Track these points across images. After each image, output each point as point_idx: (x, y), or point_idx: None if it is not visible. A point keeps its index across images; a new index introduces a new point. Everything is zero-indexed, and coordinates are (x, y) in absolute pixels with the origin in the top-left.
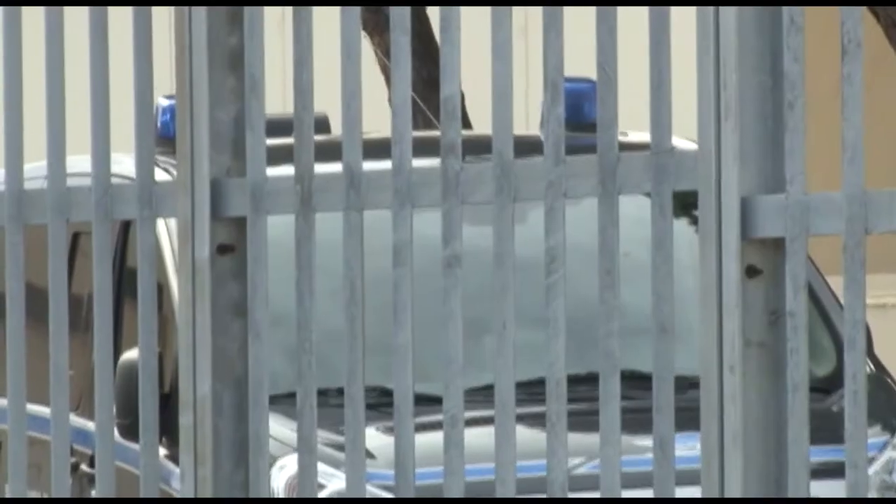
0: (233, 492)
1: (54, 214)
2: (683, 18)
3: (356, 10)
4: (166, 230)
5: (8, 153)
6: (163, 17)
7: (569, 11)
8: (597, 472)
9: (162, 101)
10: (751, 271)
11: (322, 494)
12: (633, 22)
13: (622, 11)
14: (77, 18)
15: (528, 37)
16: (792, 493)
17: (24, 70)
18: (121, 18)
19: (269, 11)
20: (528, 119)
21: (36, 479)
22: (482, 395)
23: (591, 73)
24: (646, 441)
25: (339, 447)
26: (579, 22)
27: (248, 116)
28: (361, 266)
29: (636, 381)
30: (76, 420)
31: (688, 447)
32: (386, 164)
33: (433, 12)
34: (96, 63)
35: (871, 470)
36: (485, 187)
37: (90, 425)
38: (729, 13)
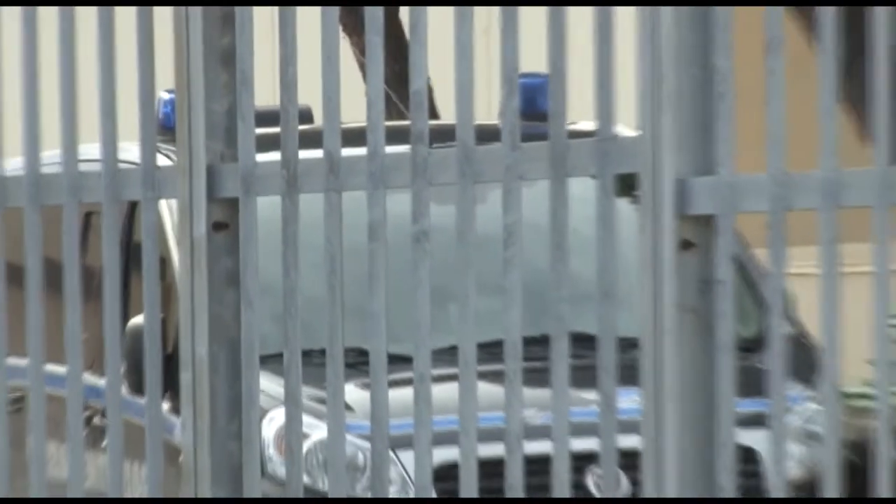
0: (228, 442)
1: (68, 196)
2: (626, 18)
3: (335, 13)
4: (168, 209)
5: (26, 141)
6: (164, 17)
7: (525, 12)
8: (549, 422)
9: (163, 95)
10: (685, 245)
11: (306, 444)
12: (581, 21)
13: (571, 12)
14: (86, 19)
15: (491, 35)
16: (721, 442)
17: (38, 66)
18: (126, 19)
19: (260, 13)
20: (490, 109)
21: (55, 431)
22: (447, 355)
23: (545, 68)
24: (592, 395)
25: (322, 401)
26: (536, 21)
27: (239, 108)
28: (340, 241)
29: (583, 342)
30: (89, 378)
31: (630, 400)
32: (362, 151)
33: (404, 13)
34: (104, 60)
35: (792, 420)
36: (449, 171)
37: (101, 382)
38: (666, 13)
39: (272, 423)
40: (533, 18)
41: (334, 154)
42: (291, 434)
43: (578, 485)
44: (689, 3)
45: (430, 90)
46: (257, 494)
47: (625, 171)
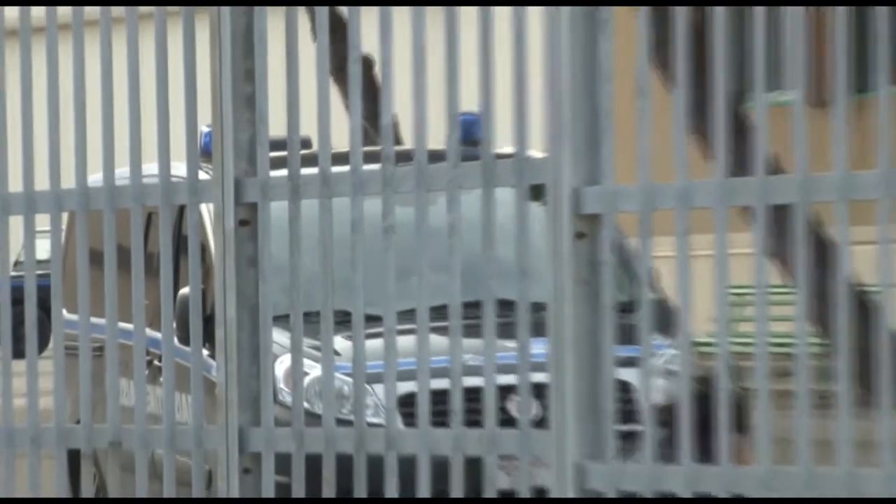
0: (249, 380)
1: (134, 202)
2: (536, 66)
3: (327, 68)
4: (206, 211)
5: (104, 161)
6: (204, 70)
7: (465, 64)
8: (481, 363)
9: (203, 128)
10: (579, 235)
11: (306, 379)
12: (504, 70)
13: (499, 63)
14: (149, 75)
15: (443, 83)
16: (603, 378)
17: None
18: (176, 73)
19: (273, 69)
20: (440, 138)
21: (125, 371)
22: (408, 315)
23: (478, 107)
24: (512, 343)
25: (317, 349)
26: (472, 71)
27: (258, 138)
28: (331, 233)
29: (505, 306)
30: (151, 332)
31: (539, 347)
32: (346, 168)
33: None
34: (160, 104)
35: (656, 361)
36: (409, 182)
37: (158, 335)
38: (566, 65)
39: (282, 365)
40: (470, 69)
41: (326, 171)
42: (296, 372)
43: (503, 409)
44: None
45: (396, 124)
46: (271, 417)
47: (535, 182)
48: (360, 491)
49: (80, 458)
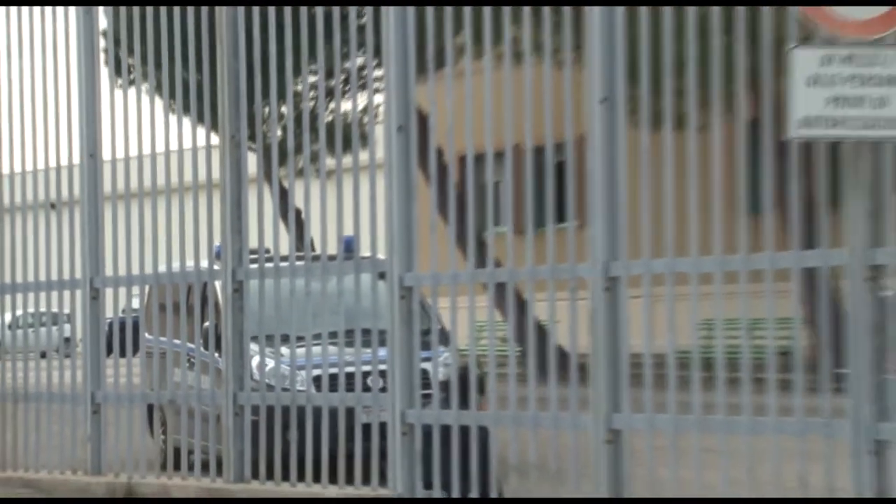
0: (238, 368)
1: (181, 281)
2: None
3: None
4: (218, 285)
5: (167, 259)
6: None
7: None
8: (353, 360)
9: (216, 244)
10: (402, 297)
11: (266, 368)
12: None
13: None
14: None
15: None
16: (414, 367)
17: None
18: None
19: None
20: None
21: (176, 363)
22: (318, 336)
23: (352, 231)
24: (369, 350)
25: (272, 352)
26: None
27: (243, 250)
28: (279, 295)
29: (366, 332)
30: (189, 344)
31: (383, 352)
32: (286, 264)
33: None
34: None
35: (440, 359)
36: (318, 271)
37: (192, 345)
38: (392, 197)
39: (253, 359)
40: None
41: (277, 265)
42: (261, 365)
43: (365, 383)
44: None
45: (312, 239)
46: (248, 386)
47: (380, 270)
48: (292, 425)
49: (153, 409)
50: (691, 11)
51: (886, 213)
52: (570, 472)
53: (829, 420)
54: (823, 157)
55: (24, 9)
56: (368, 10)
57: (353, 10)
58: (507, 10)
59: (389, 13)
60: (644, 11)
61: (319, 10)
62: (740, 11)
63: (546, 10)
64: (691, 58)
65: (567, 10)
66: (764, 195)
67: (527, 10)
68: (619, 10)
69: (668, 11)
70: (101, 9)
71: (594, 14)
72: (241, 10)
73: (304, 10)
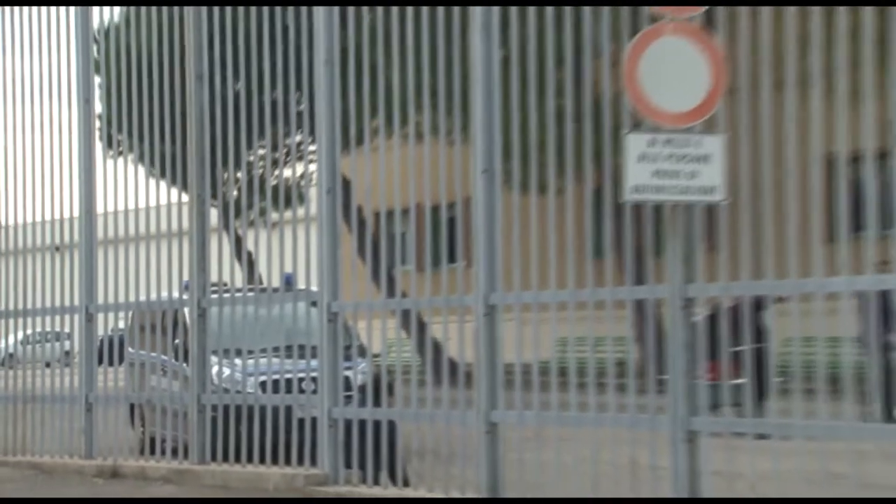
0: (201, 374)
1: (158, 309)
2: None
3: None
4: (187, 310)
5: (146, 291)
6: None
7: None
8: (292, 368)
9: (185, 280)
10: (330, 320)
11: (224, 375)
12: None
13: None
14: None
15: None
16: (338, 374)
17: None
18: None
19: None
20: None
21: (153, 371)
22: (264, 350)
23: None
24: (303, 361)
25: (228, 363)
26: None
27: (207, 284)
28: (232, 319)
29: (302, 347)
30: (163, 356)
31: (315, 363)
32: (241, 294)
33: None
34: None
35: (358, 367)
36: (265, 300)
37: (166, 357)
38: (324, 250)
39: (213, 368)
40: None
41: (233, 295)
42: (220, 374)
43: (301, 387)
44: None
45: (260, 275)
46: (209, 388)
47: (313, 299)
48: (243, 419)
49: (134, 407)
50: (551, 104)
51: (696, 258)
52: (458, 456)
53: (653, 415)
54: (650, 215)
55: (34, 99)
56: (305, 98)
57: (293, 98)
58: (411, 100)
59: (321, 101)
60: (515, 102)
61: (266, 98)
62: (587, 104)
63: (441, 100)
64: (551, 139)
65: (457, 99)
66: (605, 243)
67: (426, 99)
68: (497, 100)
69: (533, 102)
70: (97, 97)
71: (477, 103)
72: (206, 96)
73: (254, 94)
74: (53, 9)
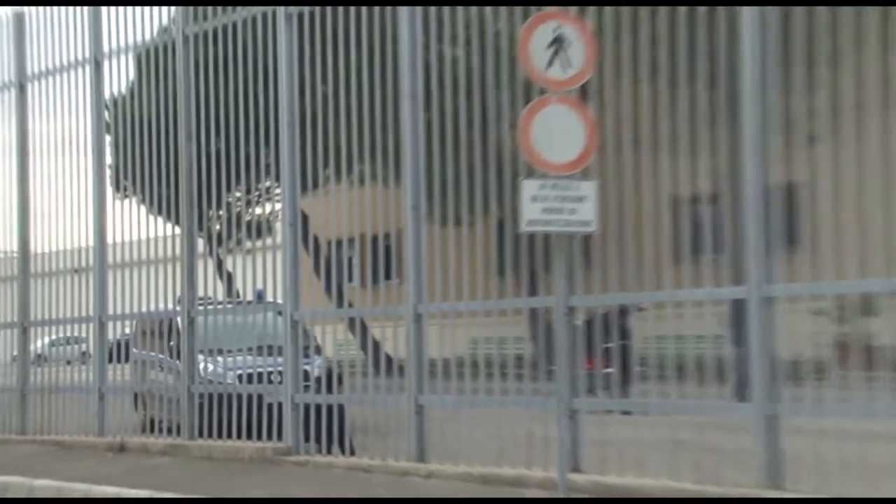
0: (189, 370)
1: (158, 318)
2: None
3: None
4: (180, 319)
5: (147, 303)
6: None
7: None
8: (262, 365)
9: (178, 295)
10: (293, 325)
11: (209, 369)
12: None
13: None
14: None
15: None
16: (299, 368)
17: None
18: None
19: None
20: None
21: (152, 369)
22: (241, 350)
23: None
24: (271, 358)
25: (212, 360)
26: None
27: (195, 298)
28: (216, 325)
29: (270, 348)
30: (159, 355)
31: (281, 359)
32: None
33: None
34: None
35: (314, 363)
36: (241, 310)
37: (162, 356)
38: (287, 270)
39: (200, 364)
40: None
41: (216, 307)
42: (206, 368)
43: (269, 377)
44: None
45: (237, 292)
46: (198, 379)
47: (279, 310)
48: (224, 404)
49: (137, 395)
50: (464, 156)
51: (576, 276)
52: (393, 431)
53: (544, 398)
54: (541, 242)
55: (59, 153)
56: (272, 152)
57: (263, 152)
58: (355, 153)
59: (285, 154)
60: (436, 154)
61: (241, 152)
62: (492, 157)
63: (378, 153)
64: (464, 183)
65: (391, 153)
66: (506, 264)
67: (367, 153)
68: (422, 153)
69: (450, 155)
70: (108, 151)
71: (407, 155)
72: (194, 151)
73: (232, 149)
74: (73, 82)
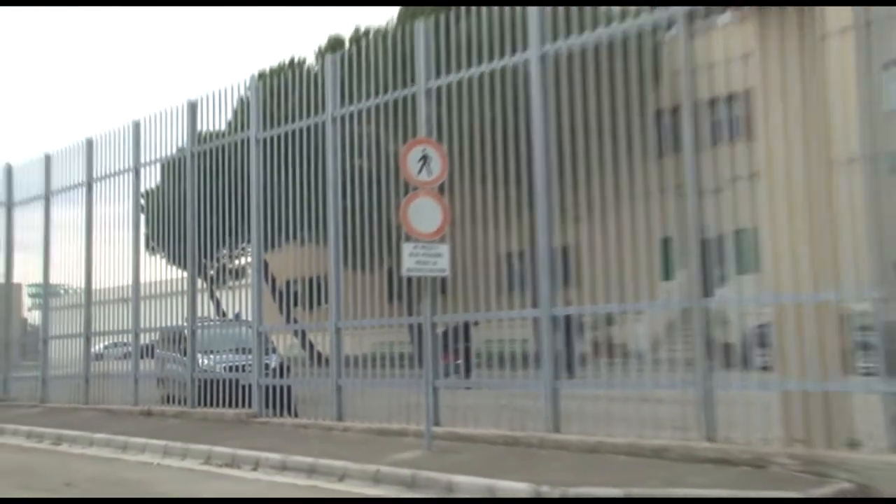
0: (193, 363)
1: (167, 330)
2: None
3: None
4: (186, 331)
5: (165, 322)
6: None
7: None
8: (241, 359)
9: (186, 315)
10: (259, 334)
11: (206, 362)
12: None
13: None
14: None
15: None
16: (262, 361)
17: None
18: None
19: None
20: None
21: (169, 361)
22: (227, 350)
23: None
24: (248, 355)
25: (208, 357)
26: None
27: (195, 317)
28: (203, 335)
29: (249, 350)
30: (170, 353)
31: (251, 356)
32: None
33: None
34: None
35: (273, 357)
36: (215, 326)
37: (175, 354)
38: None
39: (200, 359)
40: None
41: (210, 324)
42: (204, 360)
43: (243, 368)
44: None
45: (224, 314)
46: (195, 369)
47: (250, 325)
48: (215, 386)
49: (159, 379)
50: (367, 226)
51: (437, 302)
52: (321, 402)
53: (418, 380)
54: (416, 282)
55: (110, 227)
56: (246, 221)
57: (241, 221)
58: (300, 223)
59: (253, 228)
60: (349, 225)
61: (227, 225)
62: (384, 228)
63: (314, 224)
64: (367, 243)
65: (321, 224)
66: (395, 295)
67: (307, 222)
68: (340, 225)
69: (359, 225)
70: (143, 224)
71: (331, 226)
72: (197, 224)
73: (222, 223)
74: (121, 182)
